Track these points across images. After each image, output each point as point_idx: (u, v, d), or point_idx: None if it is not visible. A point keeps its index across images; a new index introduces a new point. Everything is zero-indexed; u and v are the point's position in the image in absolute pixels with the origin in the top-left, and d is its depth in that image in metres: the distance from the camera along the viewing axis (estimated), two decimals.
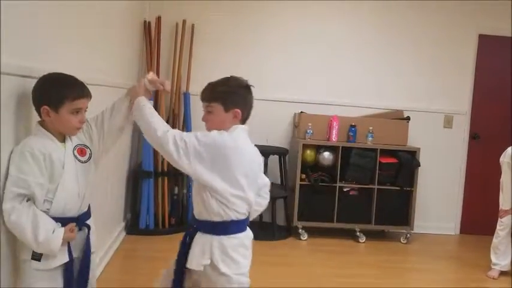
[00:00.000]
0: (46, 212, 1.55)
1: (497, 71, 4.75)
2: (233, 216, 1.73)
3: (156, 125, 1.72)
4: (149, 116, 1.74)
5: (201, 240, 1.74)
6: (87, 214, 1.74)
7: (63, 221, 1.59)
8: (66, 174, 1.60)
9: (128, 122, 1.86)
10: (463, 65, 4.73)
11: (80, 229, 1.67)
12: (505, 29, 4.65)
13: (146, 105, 1.78)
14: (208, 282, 1.74)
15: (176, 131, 1.72)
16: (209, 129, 1.78)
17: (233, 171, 1.72)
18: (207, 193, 1.71)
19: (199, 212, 1.76)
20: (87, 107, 1.68)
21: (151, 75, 1.87)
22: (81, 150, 1.70)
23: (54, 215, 1.57)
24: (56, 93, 1.57)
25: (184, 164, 1.68)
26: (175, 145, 1.67)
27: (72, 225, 1.60)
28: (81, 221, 1.68)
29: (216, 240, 1.72)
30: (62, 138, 1.65)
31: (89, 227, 1.71)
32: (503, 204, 3.56)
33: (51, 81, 1.60)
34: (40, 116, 1.61)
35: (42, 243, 1.50)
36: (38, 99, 1.59)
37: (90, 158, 1.73)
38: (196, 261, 1.72)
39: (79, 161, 1.67)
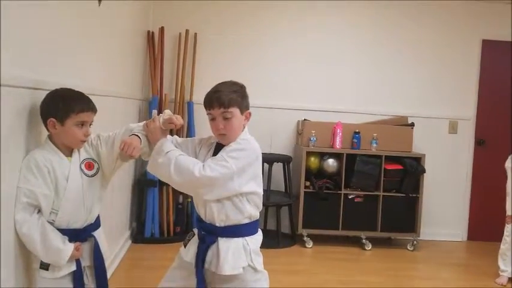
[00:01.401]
0: (52, 222, 1.62)
1: (502, 76, 4.73)
2: (258, 214, 1.81)
3: (190, 166, 1.67)
4: (181, 160, 1.69)
5: (231, 245, 1.73)
6: (94, 225, 1.77)
7: (68, 232, 1.65)
8: (70, 188, 1.65)
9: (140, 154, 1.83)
10: (467, 71, 4.73)
11: (86, 240, 1.72)
12: (508, 35, 4.65)
13: (172, 150, 1.73)
14: (244, 282, 1.75)
15: (209, 162, 1.70)
16: (228, 134, 1.75)
17: (259, 171, 1.80)
18: (241, 197, 1.74)
19: (225, 218, 1.74)
20: (92, 121, 1.72)
21: (167, 113, 1.79)
22: (89, 164, 1.73)
23: (60, 226, 1.64)
24: (63, 106, 1.62)
25: (232, 188, 1.70)
26: (218, 174, 1.66)
27: (78, 244, 1.66)
28: (87, 232, 1.72)
29: (248, 241, 1.76)
30: (69, 152, 1.70)
31: (95, 238, 1.75)
32: (510, 210, 3.53)
33: (58, 95, 1.66)
34: (47, 129, 1.66)
35: (50, 256, 1.59)
36: (46, 112, 1.64)
37: (97, 172, 1.75)
38: (232, 265, 1.71)
39: (85, 174, 1.71)
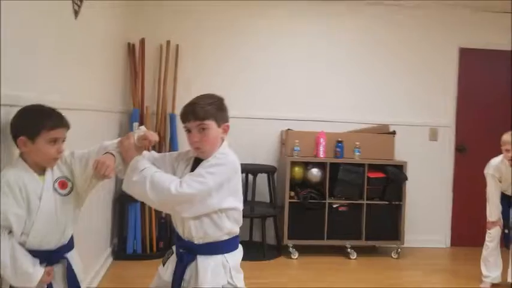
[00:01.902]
0: (23, 244, 1.56)
1: (479, 83, 4.82)
2: (238, 230, 1.78)
3: (167, 183, 1.63)
4: (156, 178, 1.64)
5: (210, 263, 1.70)
6: (67, 246, 1.71)
7: (40, 254, 1.59)
8: (43, 207, 1.59)
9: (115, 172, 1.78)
10: (445, 78, 4.80)
11: (59, 262, 1.66)
12: (484, 42, 4.75)
13: (148, 167, 1.69)
14: None
15: (186, 178, 1.65)
16: (204, 147, 1.73)
17: (239, 185, 1.78)
18: (220, 214, 1.70)
19: (203, 235, 1.71)
20: (65, 138, 1.66)
21: (142, 130, 1.76)
22: (63, 183, 1.68)
23: (31, 248, 1.57)
24: (33, 123, 1.57)
25: (210, 205, 1.67)
26: (195, 191, 1.63)
27: (50, 268, 1.60)
28: (60, 253, 1.67)
29: (228, 258, 1.74)
30: (41, 171, 1.64)
31: (67, 260, 1.69)
32: (490, 216, 3.57)
33: (28, 112, 1.61)
34: (18, 147, 1.60)
35: (19, 280, 1.53)
36: (16, 130, 1.59)
37: (71, 191, 1.70)
38: (210, 284, 1.68)
39: (59, 194, 1.65)
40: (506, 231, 3.53)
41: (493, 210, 3.54)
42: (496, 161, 3.53)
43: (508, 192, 3.54)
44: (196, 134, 1.72)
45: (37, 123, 1.57)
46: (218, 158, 1.73)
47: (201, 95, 1.80)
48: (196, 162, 1.77)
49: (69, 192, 1.69)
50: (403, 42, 4.72)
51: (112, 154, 1.70)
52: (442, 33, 4.76)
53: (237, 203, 1.75)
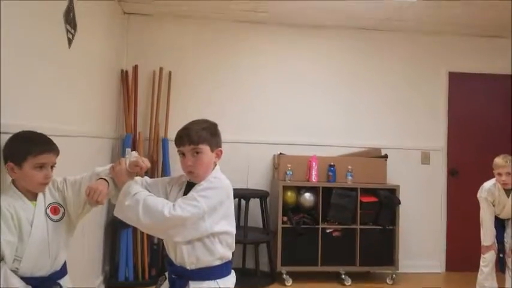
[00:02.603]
0: (15, 271, 1.54)
1: (469, 106, 4.89)
2: (230, 255, 1.77)
3: (159, 206, 1.63)
4: (149, 201, 1.65)
5: None
6: (60, 273, 1.69)
7: (33, 280, 1.57)
8: (35, 233, 1.59)
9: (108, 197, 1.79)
10: (435, 102, 4.86)
11: None
12: (472, 66, 4.84)
13: (140, 192, 1.69)
14: None
15: (179, 201, 1.66)
16: (197, 171, 1.75)
17: (231, 210, 1.78)
18: (213, 238, 1.70)
19: (195, 260, 1.70)
20: (54, 163, 1.67)
21: (134, 156, 1.77)
22: (55, 208, 1.68)
23: (24, 275, 1.56)
24: (20, 149, 1.58)
25: (203, 228, 1.66)
26: (188, 214, 1.63)
27: None
28: (52, 280, 1.65)
29: (220, 284, 1.73)
30: (33, 196, 1.64)
31: (60, 286, 1.67)
32: (484, 240, 3.56)
33: (17, 138, 1.62)
34: (8, 174, 1.61)
35: None
36: (5, 156, 1.60)
37: (63, 216, 1.70)
38: None
39: (51, 219, 1.65)
40: (501, 255, 3.52)
41: (487, 235, 3.53)
42: (488, 184, 3.54)
43: (502, 216, 3.54)
44: (190, 158, 1.74)
45: (23, 149, 1.58)
46: (211, 182, 1.74)
47: (195, 120, 1.83)
48: (189, 186, 1.78)
49: (61, 218, 1.69)
50: (393, 66, 4.80)
51: (105, 180, 1.71)
52: (431, 58, 4.85)
53: (229, 227, 1.75)
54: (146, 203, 1.64)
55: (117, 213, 1.73)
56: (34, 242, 1.57)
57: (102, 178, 1.71)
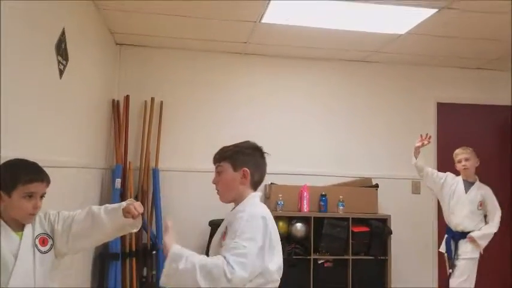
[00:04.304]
0: None
1: (457, 136, 4.93)
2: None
3: (220, 268, 1.51)
4: (204, 262, 1.53)
5: None
6: None
7: None
8: (19, 265, 1.55)
9: (109, 237, 1.80)
10: (424, 131, 4.84)
11: None
12: (460, 97, 4.95)
13: (192, 254, 1.57)
14: None
15: (229, 258, 1.53)
16: (219, 188, 1.75)
17: (276, 243, 1.70)
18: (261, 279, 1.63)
19: None
20: (44, 193, 1.65)
21: (127, 202, 1.73)
22: (43, 239, 1.65)
23: None
24: (10, 177, 1.56)
25: (260, 267, 1.62)
26: (248, 268, 1.55)
27: None
28: None
29: None
30: (19, 227, 1.61)
31: None
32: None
33: (7, 166, 1.60)
34: None
35: None
36: None
37: (51, 248, 1.67)
38: None
39: (39, 250, 1.62)
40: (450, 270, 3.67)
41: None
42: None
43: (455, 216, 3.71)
44: (216, 176, 1.77)
45: (13, 177, 1.56)
46: (247, 220, 1.64)
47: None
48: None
49: (49, 250, 1.66)
50: (382, 97, 4.88)
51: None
52: (420, 89, 4.94)
53: (274, 266, 1.70)
54: (202, 264, 1.53)
55: (166, 281, 1.58)
56: (19, 274, 1.53)
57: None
